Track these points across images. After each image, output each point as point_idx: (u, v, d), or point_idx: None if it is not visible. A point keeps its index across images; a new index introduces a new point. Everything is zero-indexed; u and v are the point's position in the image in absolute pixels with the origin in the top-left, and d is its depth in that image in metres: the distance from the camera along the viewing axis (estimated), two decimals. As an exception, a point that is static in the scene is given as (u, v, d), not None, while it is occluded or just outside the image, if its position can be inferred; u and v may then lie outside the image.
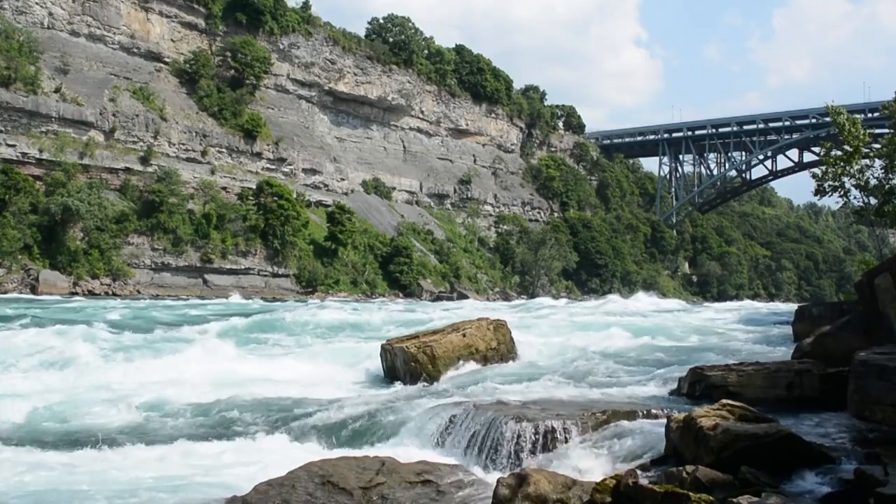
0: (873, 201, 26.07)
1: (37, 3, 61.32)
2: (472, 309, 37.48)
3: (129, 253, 57.65)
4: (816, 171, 28.70)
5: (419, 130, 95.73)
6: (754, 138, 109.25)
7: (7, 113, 54.49)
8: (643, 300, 57.00)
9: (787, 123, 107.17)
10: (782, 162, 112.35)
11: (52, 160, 55.65)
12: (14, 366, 16.21)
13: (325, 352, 20.06)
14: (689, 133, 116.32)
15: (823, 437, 8.04)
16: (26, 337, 19.88)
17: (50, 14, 62.31)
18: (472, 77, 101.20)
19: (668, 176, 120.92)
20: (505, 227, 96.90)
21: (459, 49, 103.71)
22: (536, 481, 6.20)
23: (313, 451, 9.42)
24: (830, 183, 26.26)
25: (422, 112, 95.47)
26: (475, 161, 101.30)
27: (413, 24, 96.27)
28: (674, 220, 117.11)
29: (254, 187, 68.85)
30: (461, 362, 16.02)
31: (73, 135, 58.33)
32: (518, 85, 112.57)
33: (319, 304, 41.84)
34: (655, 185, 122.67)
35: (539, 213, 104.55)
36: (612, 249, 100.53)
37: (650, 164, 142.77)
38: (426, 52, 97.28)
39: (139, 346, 19.58)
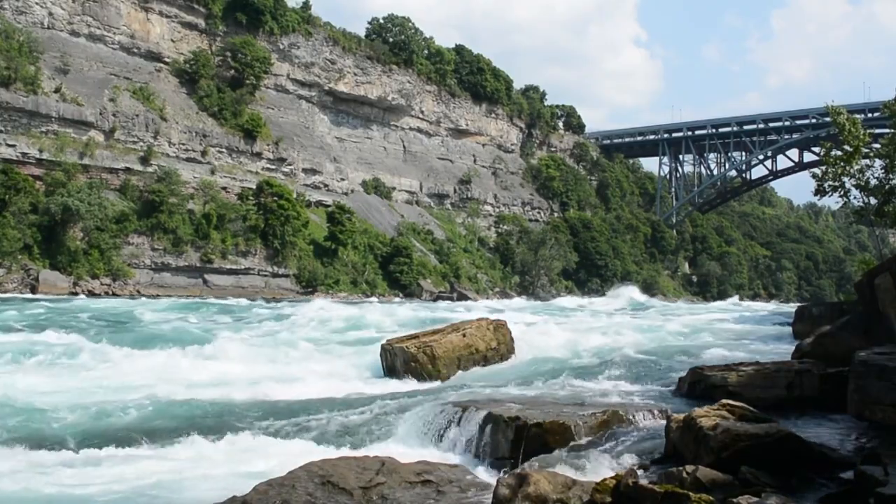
0: (873, 201, 26.12)
1: (37, 3, 61.32)
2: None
3: (129, 253, 57.64)
4: (816, 171, 28.76)
5: (419, 130, 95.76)
6: (754, 138, 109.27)
7: (7, 113, 54.49)
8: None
9: (787, 123, 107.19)
10: (782, 162, 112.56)
11: (52, 160, 55.65)
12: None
13: (324, 351, 20.07)
14: (689, 133, 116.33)
15: (823, 438, 8.03)
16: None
17: (50, 14, 62.31)
18: (472, 77, 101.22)
19: (668, 176, 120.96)
20: (505, 227, 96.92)
21: (459, 49, 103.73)
22: (536, 481, 6.19)
23: (313, 451, 9.41)
24: (830, 183, 26.32)
25: (422, 112, 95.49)
26: (475, 161, 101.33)
27: (413, 24, 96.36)
28: (674, 220, 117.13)
29: (254, 187, 68.86)
30: (461, 362, 16.03)
31: (73, 135, 58.33)
32: (518, 85, 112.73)
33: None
34: (655, 185, 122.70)
35: (539, 213, 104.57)
36: (612, 249, 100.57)
37: (650, 164, 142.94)
38: (426, 52, 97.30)
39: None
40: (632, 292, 71.33)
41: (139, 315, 30.88)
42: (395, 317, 30.66)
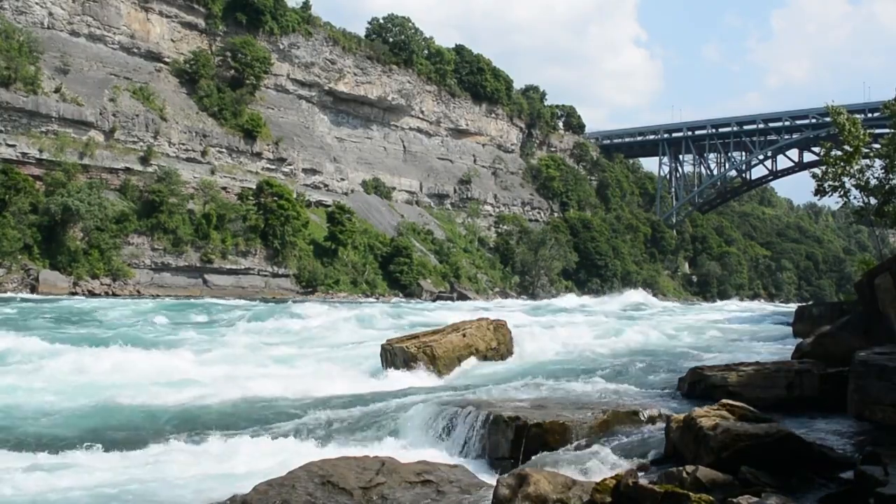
0: (873, 201, 26.14)
1: (37, 3, 61.33)
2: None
3: (129, 253, 57.66)
4: (816, 171, 28.78)
5: (419, 130, 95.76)
6: (754, 138, 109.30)
7: (7, 113, 54.51)
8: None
9: (787, 123, 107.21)
10: (782, 162, 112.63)
11: (52, 160, 55.67)
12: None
13: (324, 351, 20.06)
14: (689, 133, 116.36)
15: (823, 438, 8.03)
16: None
17: (50, 14, 62.32)
18: (472, 77, 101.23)
19: (668, 176, 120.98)
20: (505, 227, 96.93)
21: (459, 49, 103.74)
22: (536, 481, 6.19)
23: (313, 451, 9.40)
24: (830, 183, 26.35)
25: (422, 112, 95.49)
26: (475, 161, 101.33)
27: (413, 24, 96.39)
28: (674, 220, 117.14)
29: (254, 187, 68.88)
30: (461, 362, 16.03)
31: (73, 135, 58.35)
32: (518, 85, 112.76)
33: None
34: (655, 185, 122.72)
35: (539, 213, 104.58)
36: (612, 249, 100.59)
37: (650, 164, 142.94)
38: (426, 52, 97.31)
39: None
40: (630, 296, 70.44)
41: (100, 315, 30.13)
42: (369, 330, 27.08)
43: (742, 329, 29.32)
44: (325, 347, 21.08)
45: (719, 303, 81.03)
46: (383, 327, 27.63)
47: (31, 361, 16.52)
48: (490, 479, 7.59)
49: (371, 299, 66.39)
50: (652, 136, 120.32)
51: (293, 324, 28.11)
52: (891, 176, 25.42)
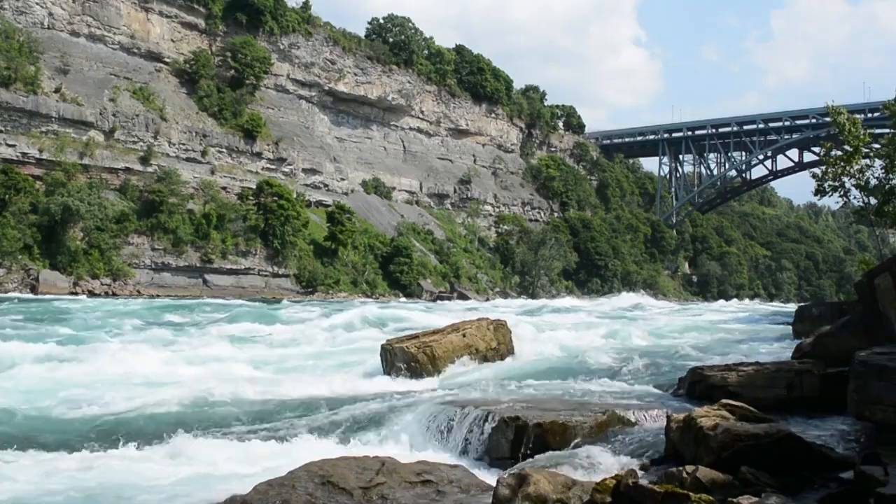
0: (873, 201, 26.17)
1: (37, 3, 61.35)
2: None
3: (129, 253, 57.67)
4: (816, 171, 28.83)
5: (419, 130, 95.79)
6: (754, 138, 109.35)
7: (7, 113, 54.53)
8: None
9: (787, 123, 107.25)
10: (782, 162, 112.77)
11: (52, 160, 55.72)
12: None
13: (324, 351, 20.05)
14: (689, 133, 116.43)
15: (823, 438, 8.03)
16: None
17: (50, 14, 62.35)
18: (472, 77, 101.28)
19: (668, 176, 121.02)
20: (505, 227, 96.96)
21: (459, 49, 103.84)
22: (536, 481, 6.18)
23: (313, 451, 9.38)
24: (830, 183, 26.40)
25: (422, 112, 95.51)
26: (475, 161, 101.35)
27: (413, 24, 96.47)
28: (674, 220, 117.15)
29: (254, 187, 68.90)
30: (461, 362, 16.02)
31: (73, 135, 58.38)
32: (518, 85, 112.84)
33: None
34: (655, 185, 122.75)
35: (539, 213, 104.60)
36: (612, 249, 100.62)
37: (650, 164, 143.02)
38: (426, 52, 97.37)
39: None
40: (627, 298, 69.64)
41: (74, 315, 29.34)
42: (355, 333, 25.02)
43: (742, 329, 29.30)
44: (319, 349, 21.02)
45: (719, 303, 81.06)
46: (367, 329, 26.81)
47: None
48: (490, 479, 7.58)
49: (371, 299, 66.31)
50: (652, 136, 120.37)
51: (274, 327, 26.68)
52: (891, 176, 25.47)
